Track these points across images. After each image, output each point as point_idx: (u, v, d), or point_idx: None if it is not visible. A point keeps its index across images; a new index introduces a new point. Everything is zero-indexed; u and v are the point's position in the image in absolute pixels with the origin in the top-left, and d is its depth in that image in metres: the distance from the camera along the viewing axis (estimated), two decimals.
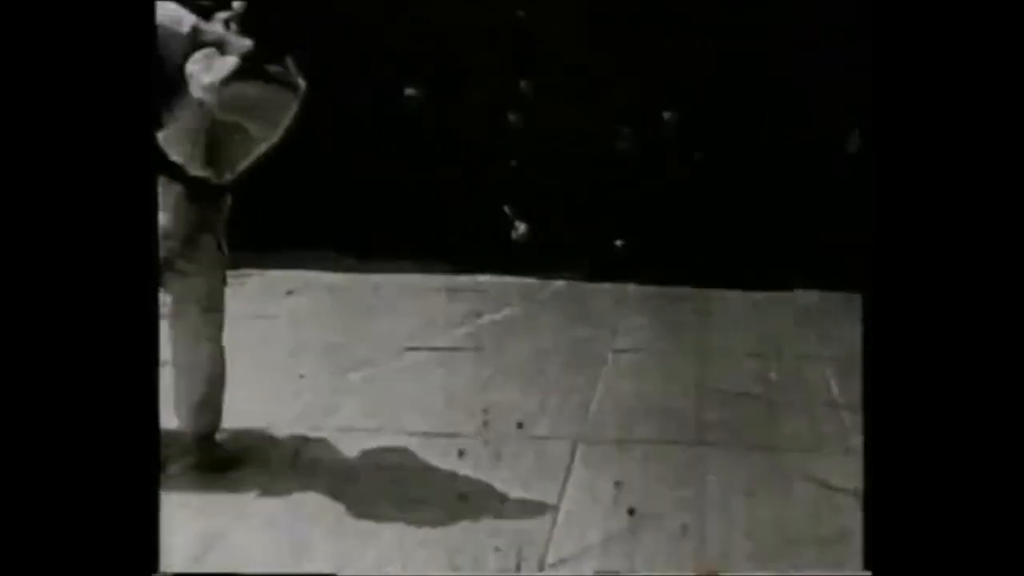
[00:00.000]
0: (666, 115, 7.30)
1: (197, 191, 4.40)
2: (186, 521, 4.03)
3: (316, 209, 7.05)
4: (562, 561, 3.91)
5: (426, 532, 4.04)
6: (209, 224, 4.46)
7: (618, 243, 7.21)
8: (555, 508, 4.25)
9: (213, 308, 4.52)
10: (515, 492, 4.37)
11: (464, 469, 4.55)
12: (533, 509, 4.24)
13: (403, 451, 4.70)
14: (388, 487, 4.38)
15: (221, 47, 4.29)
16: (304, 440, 4.80)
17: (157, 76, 4.06)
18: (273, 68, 4.33)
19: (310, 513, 4.19)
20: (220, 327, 4.55)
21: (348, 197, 7.19)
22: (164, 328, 4.30)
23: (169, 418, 4.46)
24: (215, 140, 4.38)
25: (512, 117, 7.45)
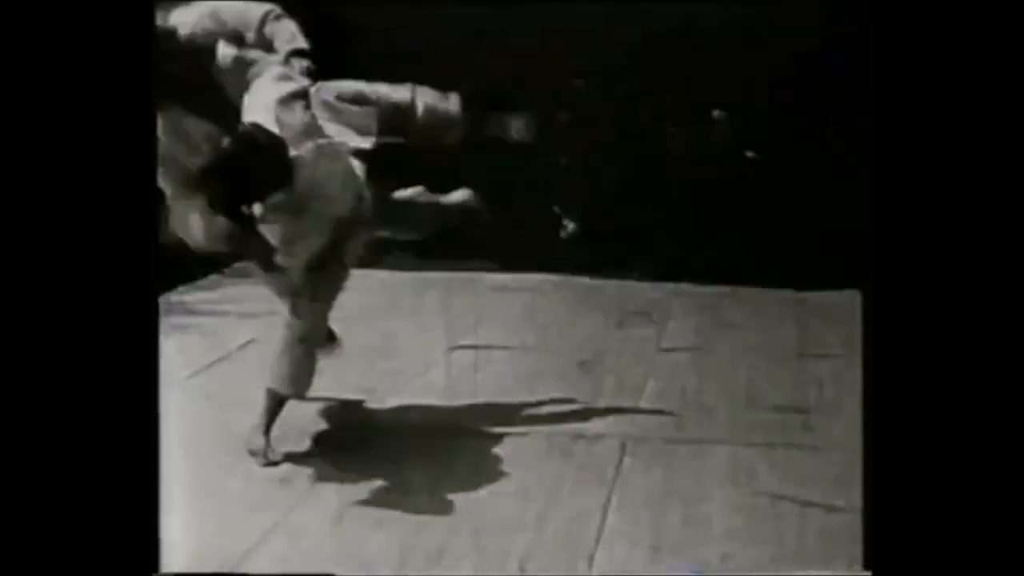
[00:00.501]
0: (716, 114, 7.31)
1: None
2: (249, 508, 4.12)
3: None
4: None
5: (475, 527, 4.08)
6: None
7: (666, 241, 7.23)
8: (604, 507, 4.28)
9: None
10: (566, 490, 4.41)
11: (516, 467, 4.60)
12: (583, 507, 4.27)
13: (453, 449, 4.76)
14: (439, 485, 4.43)
15: None
16: (352, 437, 4.88)
17: None
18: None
19: (365, 509, 4.25)
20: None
21: None
22: None
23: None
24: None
25: (563, 115, 7.47)
